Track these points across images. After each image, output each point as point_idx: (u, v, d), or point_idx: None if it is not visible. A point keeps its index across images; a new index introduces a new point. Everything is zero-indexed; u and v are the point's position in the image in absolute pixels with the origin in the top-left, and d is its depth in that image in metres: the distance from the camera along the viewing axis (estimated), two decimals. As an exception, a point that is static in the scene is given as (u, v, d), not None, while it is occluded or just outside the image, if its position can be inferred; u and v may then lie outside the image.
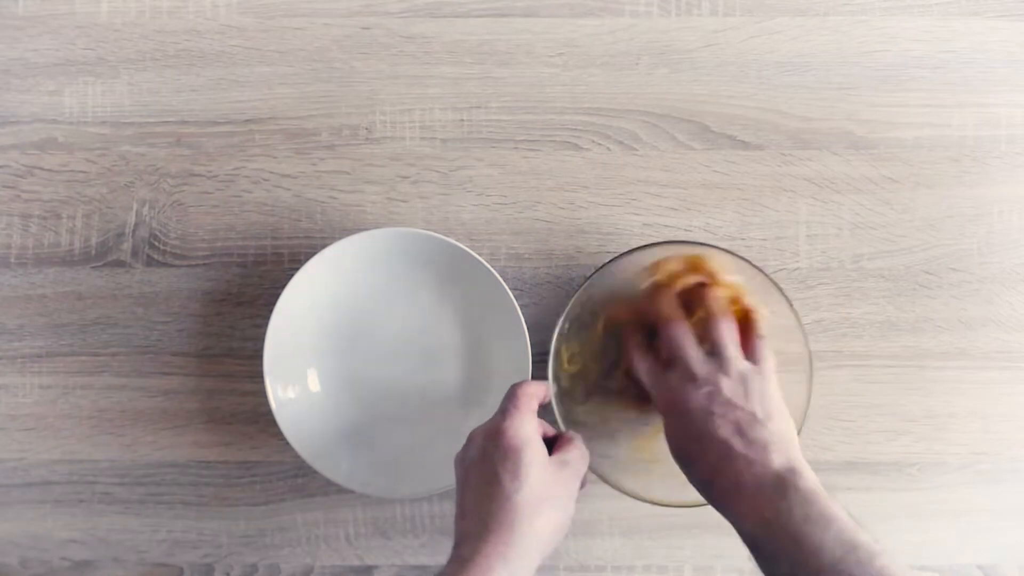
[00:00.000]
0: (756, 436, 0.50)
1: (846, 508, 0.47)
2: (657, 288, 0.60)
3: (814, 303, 0.65)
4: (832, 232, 0.65)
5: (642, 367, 0.58)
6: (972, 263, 0.65)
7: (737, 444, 0.50)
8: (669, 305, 0.58)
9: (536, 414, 0.53)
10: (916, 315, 0.65)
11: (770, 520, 0.47)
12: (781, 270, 0.65)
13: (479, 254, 0.61)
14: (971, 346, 0.65)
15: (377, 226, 0.65)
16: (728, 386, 0.52)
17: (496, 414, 0.52)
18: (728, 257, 0.58)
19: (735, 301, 0.58)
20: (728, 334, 0.56)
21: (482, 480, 0.49)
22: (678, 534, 0.65)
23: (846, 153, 0.65)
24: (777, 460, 0.49)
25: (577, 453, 0.53)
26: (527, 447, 0.49)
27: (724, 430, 0.50)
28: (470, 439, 0.52)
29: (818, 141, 0.65)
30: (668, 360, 0.56)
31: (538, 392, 0.53)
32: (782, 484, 0.47)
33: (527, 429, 0.50)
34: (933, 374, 0.65)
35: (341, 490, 0.65)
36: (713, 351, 0.55)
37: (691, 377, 0.54)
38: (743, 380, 0.53)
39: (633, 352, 0.59)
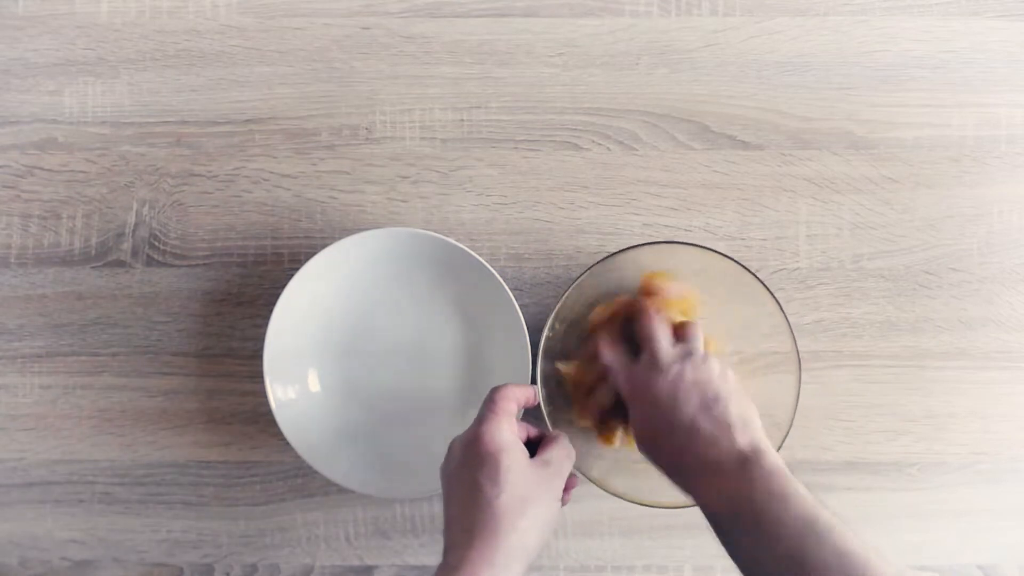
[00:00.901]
0: (720, 416, 0.51)
1: (807, 487, 0.48)
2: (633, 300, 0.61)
3: (814, 303, 0.65)
4: (832, 232, 0.65)
5: (611, 357, 0.58)
6: (972, 263, 0.65)
7: (703, 423, 0.51)
8: (645, 304, 0.59)
9: (514, 417, 0.53)
10: (916, 315, 0.65)
11: (733, 497, 0.48)
12: (781, 270, 0.65)
13: (479, 254, 0.61)
14: (971, 346, 0.65)
15: (377, 226, 0.65)
16: (691, 371, 0.53)
17: (474, 421, 0.52)
18: (715, 256, 0.58)
19: (686, 312, 0.60)
20: (691, 329, 0.57)
21: (463, 488, 0.50)
22: (678, 534, 0.65)
23: (846, 153, 0.65)
24: (741, 440, 0.50)
25: (561, 452, 0.53)
26: (504, 451, 0.50)
27: (689, 411, 0.51)
28: (450, 449, 0.53)
29: (818, 141, 0.65)
30: (639, 349, 0.57)
31: (518, 395, 0.54)
32: (745, 462, 0.49)
33: (504, 433, 0.51)
34: (933, 374, 0.65)
35: (341, 490, 0.65)
36: (678, 341, 0.56)
37: (658, 363, 0.54)
38: (706, 366, 0.54)
39: (603, 344, 0.59)
